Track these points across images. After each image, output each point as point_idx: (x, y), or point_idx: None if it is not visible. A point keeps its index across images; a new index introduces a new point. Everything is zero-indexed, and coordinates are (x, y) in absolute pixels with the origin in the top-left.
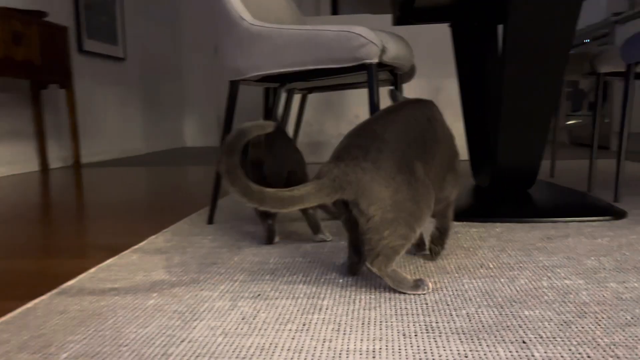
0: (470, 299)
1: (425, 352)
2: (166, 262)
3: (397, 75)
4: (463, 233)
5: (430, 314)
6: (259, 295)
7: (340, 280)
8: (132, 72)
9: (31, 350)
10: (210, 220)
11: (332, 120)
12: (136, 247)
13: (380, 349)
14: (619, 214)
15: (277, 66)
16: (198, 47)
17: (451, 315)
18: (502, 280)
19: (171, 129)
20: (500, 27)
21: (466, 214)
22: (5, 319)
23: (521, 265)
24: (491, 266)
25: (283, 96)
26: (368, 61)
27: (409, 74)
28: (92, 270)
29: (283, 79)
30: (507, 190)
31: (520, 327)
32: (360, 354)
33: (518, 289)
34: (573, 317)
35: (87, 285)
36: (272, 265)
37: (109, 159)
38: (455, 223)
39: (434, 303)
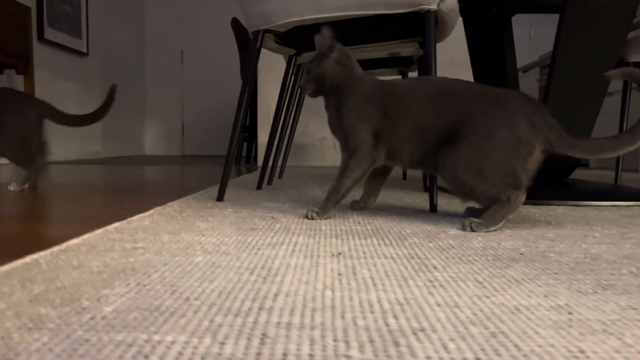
0: (615, 262)
1: (633, 309)
2: (190, 226)
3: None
4: (525, 212)
5: (586, 272)
6: (340, 254)
7: (430, 244)
8: (94, 69)
9: (54, 303)
10: (221, 197)
11: (316, 122)
12: (144, 214)
13: (566, 304)
14: None
15: (315, 10)
16: (164, 51)
17: (613, 274)
18: (626, 246)
19: (131, 134)
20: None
21: None
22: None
23: (630, 235)
24: (597, 235)
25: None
26: (426, 7)
27: None
28: (98, 231)
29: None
30: (545, 178)
31: None
32: (540, 305)
33: None
34: None
35: (99, 244)
36: (331, 231)
37: (65, 160)
38: None
39: (575, 263)
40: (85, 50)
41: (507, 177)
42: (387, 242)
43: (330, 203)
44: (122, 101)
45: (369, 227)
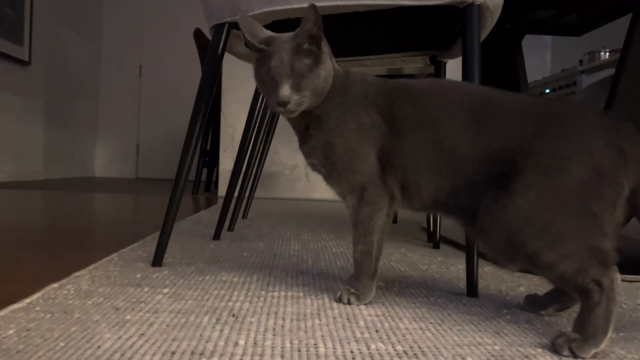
0: None
1: None
2: (84, 348)
3: (441, 64)
4: None
5: None
6: None
7: None
8: (37, 81)
9: None
10: (159, 261)
11: (287, 148)
12: (15, 307)
13: None
14: None
15: None
16: (121, 65)
17: None
18: None
19: (79, 153)
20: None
21: None
22: None
23: None
24: None
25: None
26: None
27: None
28: None
29: None
30: None
31: None
32: None
33: None
34: None
35: None
36: (335, 357)
37: None
38: None
39: None
40: (27, 59)
41: (590, 238)
42: None
43: (367, 278)
44: (70, 117)
45: (394, 346)
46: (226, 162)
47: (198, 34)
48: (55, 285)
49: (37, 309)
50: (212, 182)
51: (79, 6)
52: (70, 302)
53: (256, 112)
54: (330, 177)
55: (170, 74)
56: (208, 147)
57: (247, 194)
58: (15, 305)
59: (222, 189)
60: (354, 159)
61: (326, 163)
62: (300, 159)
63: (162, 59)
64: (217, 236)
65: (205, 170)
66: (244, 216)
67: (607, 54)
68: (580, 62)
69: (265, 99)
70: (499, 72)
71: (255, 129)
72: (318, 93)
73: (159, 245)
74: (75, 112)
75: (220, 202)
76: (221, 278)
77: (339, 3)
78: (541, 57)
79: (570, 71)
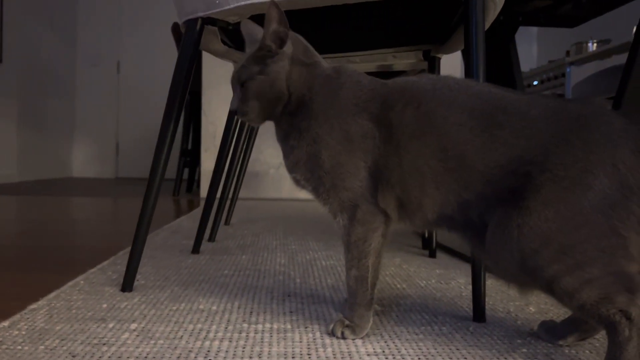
0: None
1: None
2: None
3: (435, 59)
4: None
5: None
6: None
7: None
8: (8, 79)
9: None
10: (129, 285)
11: (271, 147)
12: None
13: None
14: None
15: None
16: (98, 61)
17: None
18: None
19: (56, 154)
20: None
21: None
22: None
23: None
24: None
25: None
26: None
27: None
28: None
29: None
30: None
31: None
32: None
33: None
34: None
35: None
36: None
37: None
38: None
39: None
40: None
41: (615, 261)
42: None
43: (362, 308)
44: (44, 116)
45: None
46: (208, 163)
47: (177, 29)
48: (6, 323)
49: None
50: (194, 182)
51: (53, 1)
52: (20, 347)
53: None
54: (318, 194)
55: (149, 69)
56: (189, 147)
57: (229, 197)
58: None
59: (204, 191)
60: (342, 174)
61: (312, 178)
62: None
63: (141, 54)
64: (196, 249)
65: (186, 171)
66: (227, 222)
67: (595, 44)
68: (567, 53)
69: None
70: (493, 67)
71: (238, 126)
72: (269, 99)
73: (128, 269)
74: (50, 110)
75: (202, 204)
76: (198, 306)
77: None
78: (527, 48)
79: (558, 62)
